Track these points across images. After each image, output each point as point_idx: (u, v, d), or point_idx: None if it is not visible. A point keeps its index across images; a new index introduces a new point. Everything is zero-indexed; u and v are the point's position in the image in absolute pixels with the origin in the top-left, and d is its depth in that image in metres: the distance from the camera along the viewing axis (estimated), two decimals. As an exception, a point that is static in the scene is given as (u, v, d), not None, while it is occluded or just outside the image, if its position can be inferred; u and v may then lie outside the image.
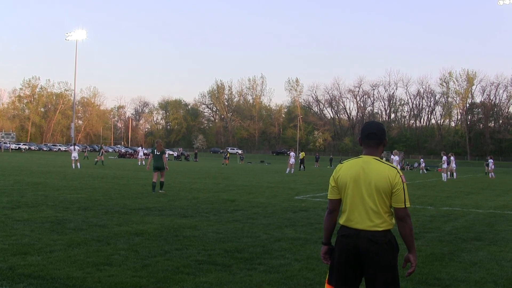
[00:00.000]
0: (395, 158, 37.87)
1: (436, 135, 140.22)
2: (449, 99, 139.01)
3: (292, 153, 42.12)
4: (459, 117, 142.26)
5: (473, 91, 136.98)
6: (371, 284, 3.89)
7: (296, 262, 7.74)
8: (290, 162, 41.43)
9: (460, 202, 18.78)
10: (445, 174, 35.21)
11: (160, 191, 18.36)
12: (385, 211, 3.91)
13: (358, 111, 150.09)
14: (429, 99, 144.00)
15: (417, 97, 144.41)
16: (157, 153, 18.84)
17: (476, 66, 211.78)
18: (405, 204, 3.90)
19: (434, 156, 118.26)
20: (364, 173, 3.94)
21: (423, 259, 8.12)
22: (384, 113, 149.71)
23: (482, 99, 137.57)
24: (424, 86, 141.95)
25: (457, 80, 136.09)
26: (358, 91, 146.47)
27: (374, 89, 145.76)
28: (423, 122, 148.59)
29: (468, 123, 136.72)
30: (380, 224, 3.88)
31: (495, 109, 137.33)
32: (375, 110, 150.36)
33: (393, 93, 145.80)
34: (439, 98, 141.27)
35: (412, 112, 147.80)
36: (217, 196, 18.18)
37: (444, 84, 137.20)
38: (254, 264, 7.54)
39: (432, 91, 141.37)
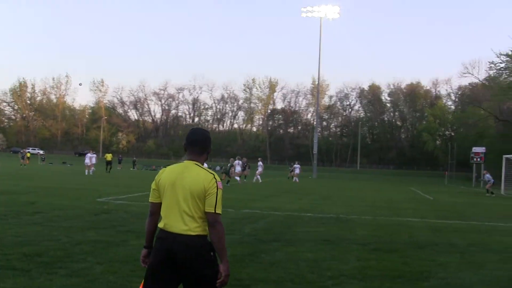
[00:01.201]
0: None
1: (238, 140, 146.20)
2: (252, 105, 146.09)
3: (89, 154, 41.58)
4: (261, 122, 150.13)
5: (274, 97, 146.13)
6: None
7: (98, 265, 7.62)
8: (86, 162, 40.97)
9: (260, 204, 19.69)
10: (238, 178, 36.23)
11: None
12: (199, 216, 3.97)
13: (162, 114, 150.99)
14: (232, 104, 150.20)
15: (221, 102, 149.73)
16: None
17: (278, 74, 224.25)
18: (215, 209, 3.97)
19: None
20: (182, 178, 4.03)
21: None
22: (188, 116, 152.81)
23: (283, 106, 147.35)
24: (228, 91, 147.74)
25: (260, 87, 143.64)
26: (163, 94, 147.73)
27: (179, 93, 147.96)
28: (226, 127, 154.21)
29: (269, 128, 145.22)
30: (194, 228, 3.94)
31: (295, 116, 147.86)
32: (180, 113, 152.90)
33: (198, 97, 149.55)
34: (242, 104, 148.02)
35: (215, 116, 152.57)
36: (16, 198, 17.18)
37: (248, 90, 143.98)
38: (55, 268, 7.30)
39: (235, 97, 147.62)
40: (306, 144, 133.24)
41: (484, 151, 60.71)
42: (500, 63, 62.99)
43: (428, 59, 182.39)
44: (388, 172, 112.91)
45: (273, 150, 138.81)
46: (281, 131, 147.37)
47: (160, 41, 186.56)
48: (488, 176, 37.95)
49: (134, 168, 67.92)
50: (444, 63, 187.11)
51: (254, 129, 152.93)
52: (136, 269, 7.30)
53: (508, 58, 60.91)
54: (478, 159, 60.04)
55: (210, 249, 3.98)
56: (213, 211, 3.96)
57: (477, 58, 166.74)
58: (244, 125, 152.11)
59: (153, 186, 4.19)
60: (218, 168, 72.65)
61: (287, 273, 7.78)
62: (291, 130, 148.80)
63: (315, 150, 72.40)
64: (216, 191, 3.99)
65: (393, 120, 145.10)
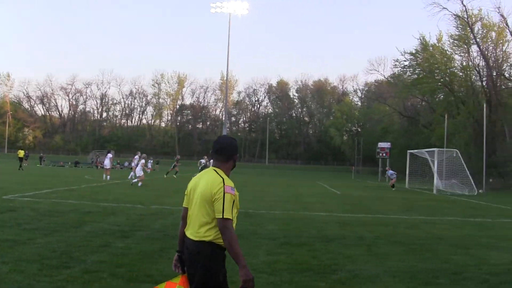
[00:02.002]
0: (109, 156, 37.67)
1: (147, 135, 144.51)
2: (161, 100, 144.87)
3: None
4: (170, 118, 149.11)
5: (183, 93, 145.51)
6: None
7: (4, 265, 7.39)
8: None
9: (169, 200, 19.69)
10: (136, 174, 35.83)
11: None
12: (207, 221, 4.01)
13: (70, 109, 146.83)
14: (141, 100, 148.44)
15: (130, 97, 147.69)
16: None
17: (187, 69, 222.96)
18: (223, 215, 3.92)
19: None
20: (199, 183, 4.19)
21: (134, 256, 8.43)
22: (96, 111, 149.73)
23: (192, 101, 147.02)
24: (136, 87, 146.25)
25: (168, 82, 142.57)
26: (71, 89, 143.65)
27: (87, 87, 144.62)
28: (135, 122, 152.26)
29: (178, 124, 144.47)
30: (195, 233, 4.04)
31: (204, 111, 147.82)
32: (88, 109, 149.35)
33: (106, 92, 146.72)
34: (151, 99, 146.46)
35: (124, 112, 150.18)
36: None
37: (156, 85, 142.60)
38: (-43, 269, 6.95)
39: (144, 92, 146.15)
40: (215, 139, 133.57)
41: (389, 146, 63.04)
42: (405, 61, 65.42)
43: (336, 56, 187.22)
44: (296, 167, 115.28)
45: (182, 146, 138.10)
46: (190, 126, 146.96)
47: (67, 34, 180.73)
48: (390, 172, 39.09)
49: (41, 164, 65.93)
50: (351, 60, 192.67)
51: (163, 124, 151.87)
52: (44, 267, 7.09)
53: (412, 56, 63.39)
54: (384, 154, 62.27)
55: (210, 255, 3.99)
56: (221, 217, 3.93)
57: (383, 55, 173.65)
58: (153, 121, 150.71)
59: (185, 192, 4.39)
60: (126, 163, 71.74)
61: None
62: (200, 125, 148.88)
63: (224, 146, 72.52)
64: (223, 195, 3.97)
65: (301, 116, 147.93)
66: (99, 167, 62.99)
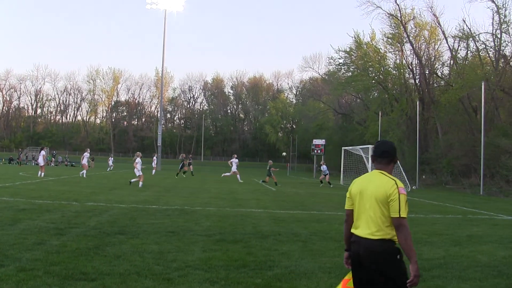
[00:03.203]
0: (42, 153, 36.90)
1: (82, 132, 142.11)
2: (96, 96, 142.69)
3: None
4: (105, 114, 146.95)
5: (118, 89, 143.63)
6: None
7: None
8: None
9: (105, 197, 19.45)
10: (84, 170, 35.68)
11: None
12: (383, 221, 4.34)
13: (4, 105, 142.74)
14: (76, 96, 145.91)
15: (64, 93, 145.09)
16: None
17: (122, 65, 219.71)
18: (399, 214, 4.27)
19: (79, 152, 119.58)
20: (367, 186, 4.51)
21: (69, 254, 8.31)
22: (30, 108, 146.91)
23: (127, 98, 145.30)
24: (71, 82, 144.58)
25: (103, 78, 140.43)
26: (5, 84, 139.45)
27: (21, 83, 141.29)
28: (70, 118, 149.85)
29: (113, 120, 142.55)
30: (375, 232, 4.33)
31: (139, 108, 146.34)
32: (22, 105, 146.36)
33: (41, 88, 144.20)
34: (86, 95, 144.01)
35: (59, 108, 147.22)
36: None
37: (91, 81, 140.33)
38: None
39: (79, 88, 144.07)
40: (150, 136, 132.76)
41: (324, 143, 63.97)
42: (339, 58, 66.54)
43: (271, 52, 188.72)
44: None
45: (117, 142, 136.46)
46: (125, 123, 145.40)
47: (0, 27, 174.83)
48: (324, 167, 39.36)
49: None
50: (286, 57, 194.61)
51: (98, 121, 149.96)
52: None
53: (346, 54, 64.52)
54: (319, 151, 63.13)
55: (394, 252, 4.32)
56: (398, 216, 4.28)
57: (317, 53, 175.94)
58: (88, 117, 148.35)
59: (347, 194, 4.75)
60: (60, 159, 70.86)
61: (133, 266, 7.77)
62: (135, 122, 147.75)
63: (159, 142, 72.07)
64: (398, 196, 4.32)
65: (236, 113, 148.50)
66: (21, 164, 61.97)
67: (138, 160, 28.60)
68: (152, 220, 13.13)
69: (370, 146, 38.80)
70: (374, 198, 4.41)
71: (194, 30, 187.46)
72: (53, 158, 70.24)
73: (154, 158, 52.41)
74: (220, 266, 8.07)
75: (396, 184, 4.38)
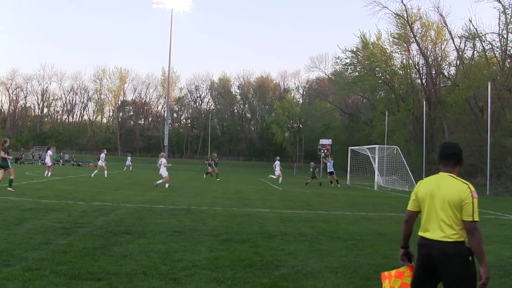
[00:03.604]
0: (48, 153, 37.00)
1: (88, 131, 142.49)
2: (102, 96, 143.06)
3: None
4: (111, 114, 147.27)
5: (125, 89, 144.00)
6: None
7: None
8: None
9: (111, 197, 19.46)
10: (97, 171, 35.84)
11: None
12: (456, 223, 4.40)
13: (10, 105, 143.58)
14: (82, 95, 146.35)
15: (71, 93, 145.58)
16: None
17: (128, 64, 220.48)
18: (473, 217, 4.36)
19: (86, 152, 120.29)
20: (438, 189, 4.53)
21: (76, 253, 8.28)
22: (37, 107, 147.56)
23: (133, 97, 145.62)
24: (78, 82, 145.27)
25: (110, 78, 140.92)
26: (11, 84, 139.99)
27: (27, 83, 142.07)
28: (76, 118, 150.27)
29: (120, 120, 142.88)
30: (450, 235, 4.38)
31: (145, 107, 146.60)
32: (28, 104, 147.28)
33: (47, 87, 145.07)
34: (92, 95, 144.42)
35: (65, 108, 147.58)
36: None
37: (98, 81, 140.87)
38: None
39: (86, 87, 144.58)
40: (157, 135, 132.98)
41: (330, 143, 63.67)
42: (346, 58, 66.38)
43: (278, 52, 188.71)
44: (238, 163, 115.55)
45: (123, 142, 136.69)
46: (131, 122, 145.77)
47: (7, 28, 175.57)
48: (330, 164, 38.52)
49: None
50: (293, 57, 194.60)
51: (105, 120, 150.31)
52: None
53: (352, 54, 64.36)
54: (325, 151, 62.96)
55: (467, 254, 4.36)
56: (471, 219, 4.36)
57: (324, 53, 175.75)
58: (95, 117, 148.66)
59: (412, 196, 4.78)
60: (66, 157, 71.15)
61: (140, 265, 7.73)
62: (141, 121, 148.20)
63: (166, 142, 72.02)
64: (471, 200, 4.38)
65: (243, 113, 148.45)
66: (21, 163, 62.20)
67: (164, 160, 28.16)
68: (159, 220, 13.11)
69: (377, 146, 38.68)
70: (446, 201, 4.46)
71: (200, 29, 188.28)
72: (60, 159, 70.30)
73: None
74: (227, 265, 8.03)
75: (469, 188, 4.44)
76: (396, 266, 8.56)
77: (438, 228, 4.47)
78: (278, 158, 40.72)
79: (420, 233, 4.64)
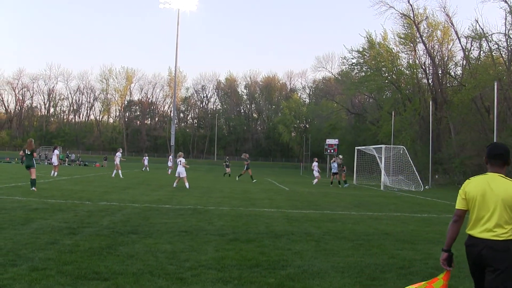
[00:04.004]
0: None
1: (95, 131, 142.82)
2: (109, 96, 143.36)
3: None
4: (118, 113, 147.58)
5: (131, 89, 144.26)
6: (488, 282, 4.47)
7: None
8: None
9: (117, 196, 19.50)
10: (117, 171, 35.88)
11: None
12: (508, 223, 4.47)
13: (16, 104, 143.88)
14: (89, 95, 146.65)
15: (77, 93, 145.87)
16: (28, 152, 20.59)
17: (135, 64, 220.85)
18: None
19: (92, 151, 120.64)
20: (490, 189, 4.57)
21: (82, 253, 8.28)
22: (43, 107, 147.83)
23: (140, 97, 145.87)
24: (84, 82, 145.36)
25: (116, 78, 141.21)
26: (17, 84, 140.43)
27: (34, 82, 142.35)
28: (82, 118, 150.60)
29: (126, 119, 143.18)
30: (501, 234, 4.44)
31: (152, 107, 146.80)
32: (34, 104, 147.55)
33: (53, 87, 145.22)
34: (99, 94, 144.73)
35: (71, 107, 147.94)
36: None
37: (104, 80, 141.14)
38: None
39: (92, 87, 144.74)
40: (163, 135, 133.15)
41: (337, 142, 63.74)
42: (352, 58, 66.26)
43: (284, 52, 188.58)
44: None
45: (130, 142, 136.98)
46: (138, 122, 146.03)
47: (13, 28, 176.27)
48: (335, 164, 38.03)
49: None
50: (299, 57, 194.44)
51: (111, 120, 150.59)
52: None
53: (359, 54, 64.25)
54: (332, 151, 62.89)
55: None
56: None
57: (330, 53, 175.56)
58: (101, 116, 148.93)
59: (461, 195, 4.78)
60: (73, 156, 71.49)
61: (146, 265, 7.73)
62: (148, 121, 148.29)
63: (172, 142, 72.19)
64: None
65: (250, 112, 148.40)
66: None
67: (182, 160, 27.90)
68: (165, 220, 13.11)
69: (384, 146, 38.58)
70: (501, 201, 4.51)
71: (207, 29, 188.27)
72: (66, 159, 70.47)
73: (170, 157, 52.44)
74: (233, 265, 8.02)
75: None
76: (402, 266, 8.62)
77: (489, 228, 4.53)
78: (316, 159, 40.73)
79: (469, 232, 4.70)
